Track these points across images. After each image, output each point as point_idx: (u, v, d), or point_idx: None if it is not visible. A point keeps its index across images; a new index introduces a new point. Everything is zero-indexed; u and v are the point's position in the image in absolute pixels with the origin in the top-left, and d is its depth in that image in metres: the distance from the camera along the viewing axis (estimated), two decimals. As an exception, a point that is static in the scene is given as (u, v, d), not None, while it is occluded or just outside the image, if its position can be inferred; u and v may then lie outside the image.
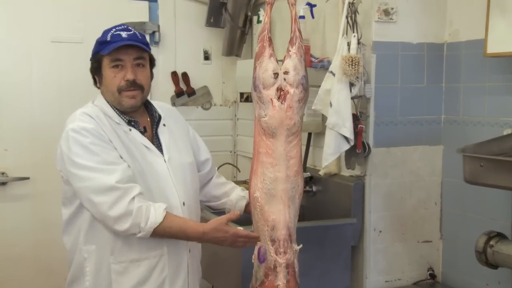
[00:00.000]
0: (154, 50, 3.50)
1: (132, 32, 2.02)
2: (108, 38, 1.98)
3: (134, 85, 2.00)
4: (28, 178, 3.28)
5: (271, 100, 1.93)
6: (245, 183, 2.89)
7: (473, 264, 2.34)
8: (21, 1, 3.26)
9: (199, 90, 3.72)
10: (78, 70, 3.36)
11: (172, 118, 2.20)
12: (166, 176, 2.06)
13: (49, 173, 3.31)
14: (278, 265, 1.98)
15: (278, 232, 1.98)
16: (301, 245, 2.06)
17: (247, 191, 2.27)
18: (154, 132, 2.12)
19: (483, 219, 2.58)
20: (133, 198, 1.90)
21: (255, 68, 1.95)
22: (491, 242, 2.25)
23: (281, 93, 1.94)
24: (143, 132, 2.07)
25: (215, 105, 3.80)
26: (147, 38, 3.47)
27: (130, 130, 2.02)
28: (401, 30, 2.70)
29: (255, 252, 2.03)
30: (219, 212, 2.42)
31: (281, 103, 1.93)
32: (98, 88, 2.10)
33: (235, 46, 3.63)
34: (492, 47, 2.39)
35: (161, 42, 3.58)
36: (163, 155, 2.08)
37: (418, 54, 2.75)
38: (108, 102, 2.05)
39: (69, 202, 2.04)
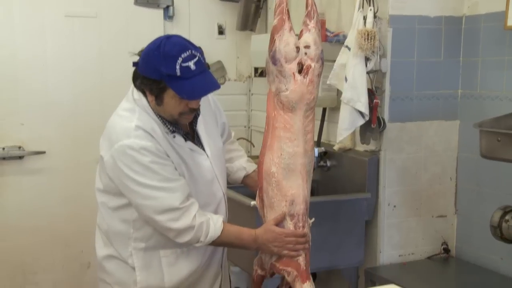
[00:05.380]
0: (168, 25, 3.52)
1: (197, 58, 1.87)
2: (178, 73, 1.82)
3: (195, 110, 1.97)
4: (44, 152, 3.31)
5: (293, 74, 1.91)
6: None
7: (487, 238, 2.33)
8: (35, -25, 3.25)
9: (213, 65, 3.70)
10: (92, 45, 3.38)
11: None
12: (211, 173, 2.07)
13: (64, 148, 3.36)
14: (296, 239, 1.99)
15: (298, 207, 1.98)
16: (313, 219, 2.07)
17: (251, 164, 2.29)
18: (193, 126, 2.08)
19: (498, 194, 2.57)
20: (195, 215, 1.94)
21: (273, 41, 1.92)
22: (507, 217, 2.24)
23: (303, 67, 1.93)
24: (186, 136, 2.03)
25: (229, 80, 3.78)
26: (161, 13, 3.50)
27: (174, 136, 1.99)
28: (418, 4, 2.66)
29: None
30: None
31: (303, 77, 1.92)
32: (146, 97, 1.96)
33: (250, 20, 3.60)
34: (513, 20, 2.36)
35: (175, 17, 3.55)
36: (205, 150, 2.07)
37: (436, 28, 2.71)
38: (151, 108, 1.96)
39: (117, 194, 2.01)
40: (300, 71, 1.92)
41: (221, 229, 1.98)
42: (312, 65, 1.93)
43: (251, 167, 2.29)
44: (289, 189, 1.97)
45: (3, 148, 3.24)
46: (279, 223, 1.99)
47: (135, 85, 1.98)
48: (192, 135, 2.07)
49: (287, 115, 1.94)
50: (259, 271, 2.16)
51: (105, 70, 3.39)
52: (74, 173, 3.36)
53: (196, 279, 2.13)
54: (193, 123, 2.08)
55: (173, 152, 1.97)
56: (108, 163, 1.95)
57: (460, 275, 2.76)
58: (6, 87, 3.23)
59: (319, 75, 1.96)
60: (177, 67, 1.82)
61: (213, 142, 2.12)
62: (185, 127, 2.05)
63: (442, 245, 2.85)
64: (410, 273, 2.69)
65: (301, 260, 2.00)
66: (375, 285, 2.60)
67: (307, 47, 1.93)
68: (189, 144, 2.03)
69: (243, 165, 2.30)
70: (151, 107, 1.96)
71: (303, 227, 1.99)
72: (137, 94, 1.98)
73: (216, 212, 2.08)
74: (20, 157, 3.28)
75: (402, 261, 2.79)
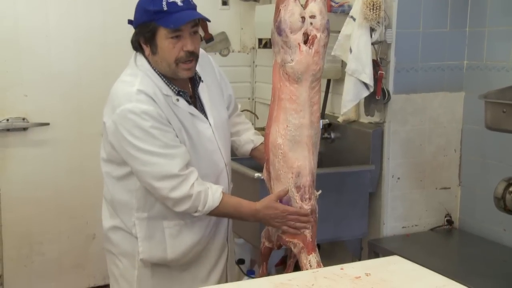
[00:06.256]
0: (171, -5, 3.48)
1: None
2: (165, 8, 1.88)
3: (192, 55, 1.95)
4: (48, 124, 3.31)
5: (299, 45, 1.90)
6: (263, 130, 2.88)
7: (491, 210, 2.34)
8: None
9: (217, 36, 3.68)
10: (95, 14, 3.35)
11: (203, 66, 2.12)
12: (213, 141, 2.07)
13: (68, 119, 3.36)
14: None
15: (304, 178, 1.98)
16: (320, 191, 2.07)
17: (258, 136, 2.28)
18: (195, 93, 2.08)
19: (503, 165, 2.57)
20: (193, 184, 1.94)
21: (278, 11, 1.90)
22: (511, 189, 2.24)
23: (308, 37, 1.91)
24: (190, 100, 2.03)
25: (233, 51, 3.76)
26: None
27: (178, 100, 1.99)
28: (425, -28, 2.63)
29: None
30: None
31: (309, 48, 1.91)
32: (146, 57, 2.00)
33: (254, -10, 3.57)
34: (521, -11, 2.33)
35: (178, -13, 3.51)
36: (207, 119, 2.07)
37: (442, -3, 2.68)
38: (154, 70, 1.98)
39: (121, 164, 2.02)
40: (305, 42, 1.91)
41: (219, 200, 1.98)
42: (318, 35, 1.91)
43: (259, 139, 2.29)
44: (295, 161, 1.96)
45: (7, 120, 3.24)
46: (282, 198, 1.99)
47: (132, 43, 2.00)
48: (195, 103, 2.07)
49: (293, 86, 1.93)
50: (266, 243, 2.18)
51: (108, 40, 3.37)
52: (78, 144, 3.37)
53: (200, 252, 2.15)
54: (195, 87, 2.07)
55: (174, 118, 1.97)
56: (110, 129, 1.96)
57: (463, 246, 2.77)
58: (9, 57, 3.21)
59: (325, 45, 1.94)
60: (164, 2, 1.88)
61: (217, 113, 2.12)
62: (187, 88, 2.05)
63: (445, 217, 2.86)
64: (413, 245, 2.70)
65: (307, 232, 2.01)
66: (378, 256, 2.62)
67: (312, 17, 1.91)
68: (192, 108, 2.03)
69: (250, 138, 2.31)
70: (153, 69, 1.97)
71: (310, 199, 1.99)
72: (140, 60, 2.00)
73: (217, 183, 2.09)
74: (24, 129, 3.29)
75: (405, 232, 2.80)
